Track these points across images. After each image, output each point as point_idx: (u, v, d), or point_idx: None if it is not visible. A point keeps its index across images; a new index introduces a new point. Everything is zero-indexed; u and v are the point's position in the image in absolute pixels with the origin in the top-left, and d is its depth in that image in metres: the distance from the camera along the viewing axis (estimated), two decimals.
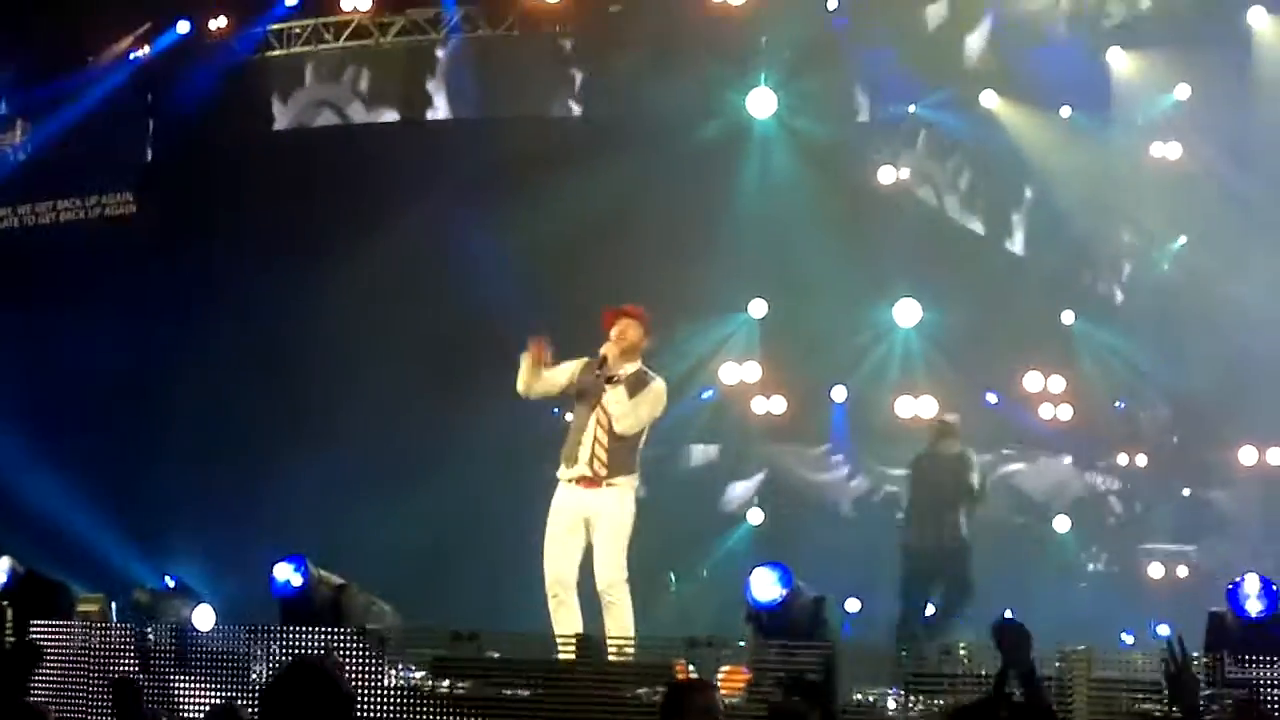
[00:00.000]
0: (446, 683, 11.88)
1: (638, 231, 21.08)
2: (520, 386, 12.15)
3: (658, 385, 12.10)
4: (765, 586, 12.26)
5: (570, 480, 12.12)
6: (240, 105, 23.25)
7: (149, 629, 13.39)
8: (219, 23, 23.17)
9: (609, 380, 11.90)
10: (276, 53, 23.39)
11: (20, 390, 21.00)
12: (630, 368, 12.03)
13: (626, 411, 11.81)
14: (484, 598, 17.83)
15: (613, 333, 12.05)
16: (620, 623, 12.11)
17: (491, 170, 21.53)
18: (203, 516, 20.96)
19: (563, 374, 12.20)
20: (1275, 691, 10.38)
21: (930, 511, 16.68)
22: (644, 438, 12.29)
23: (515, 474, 18.07)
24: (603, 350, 11.95)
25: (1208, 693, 10.09)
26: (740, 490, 22.85)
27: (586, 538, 12.07)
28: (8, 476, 20.35)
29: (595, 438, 11.91)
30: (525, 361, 12.05)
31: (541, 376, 12.08)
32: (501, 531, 18.15)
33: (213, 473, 21.08)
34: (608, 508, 11.98)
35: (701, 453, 23.03)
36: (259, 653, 12.50)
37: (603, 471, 11.97)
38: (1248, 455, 21.08)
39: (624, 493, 12.06)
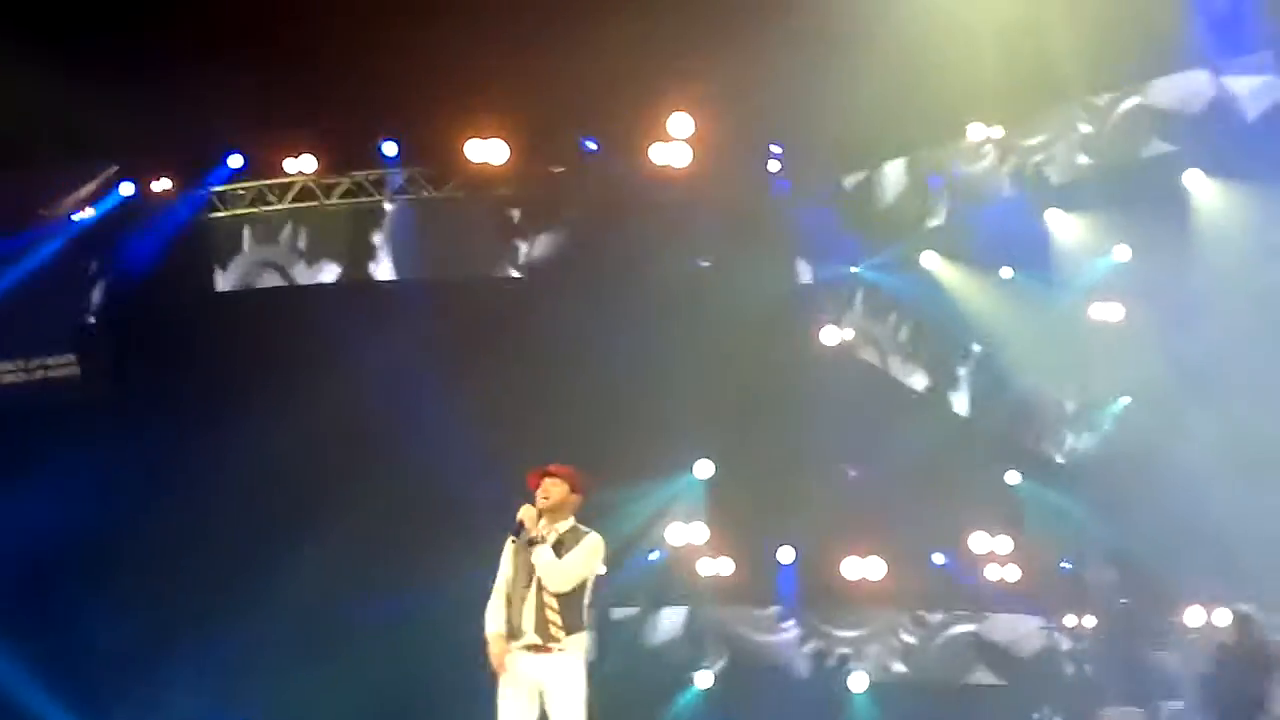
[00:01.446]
0: None
1: (581, 392, 21.01)
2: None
3: (591, 539, 11.79)
4: None
5: (521, 648, 11.83)
6: (184, 266, 23.09)
7: None
8: (162, 184, 23.01)
9: (530, 543, 11.68)
10: (221, 214, 23.35)
11: None
12: (563, 526, 11.79)
13: (554, 568, 11.53)
14: None
15: (537, 494, 11.88)
16: None
17: (436, 331, 21.49)
18: (148, 682, 20.59)
19: (508, 563, 11.95)
20: None
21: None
22: (588, 593, 11.96)
23: (464, 639, 17.86)
24: (519, 515, 11.75)
25: None
26: (688, 652, 22.67)
27: (540, 706, 11.80)
28: None
29: (534, 603, 11.66)
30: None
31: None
32: (451, 699, 17.94)
33: (158, 638, 20.70)
34: (560, 677, 11.62)
35: (649, 615, 22.85)
36: None
37: (552, 635, 11.69)
38: (1194, 617, 21.08)
39: (575, 659, 11.71)
